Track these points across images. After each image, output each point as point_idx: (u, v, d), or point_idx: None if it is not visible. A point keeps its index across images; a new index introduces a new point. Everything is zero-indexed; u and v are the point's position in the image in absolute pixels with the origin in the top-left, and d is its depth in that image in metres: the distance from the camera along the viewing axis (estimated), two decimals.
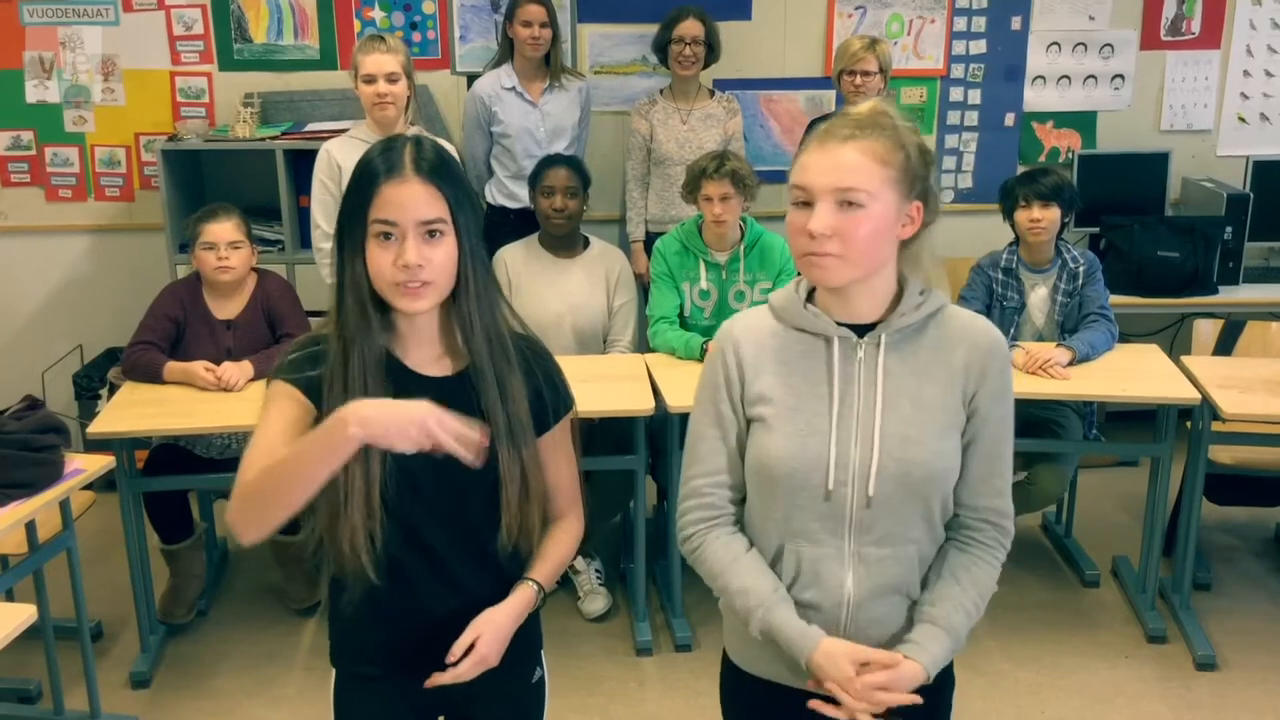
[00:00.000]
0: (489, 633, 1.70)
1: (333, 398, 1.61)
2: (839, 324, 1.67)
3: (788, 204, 1.66)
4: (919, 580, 1.73)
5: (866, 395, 1.67)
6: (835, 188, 1.58)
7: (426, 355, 1.71)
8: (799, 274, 1.73)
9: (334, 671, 1.86)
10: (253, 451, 1.61)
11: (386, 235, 1.60)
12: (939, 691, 1.75)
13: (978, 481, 1.72)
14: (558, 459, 1.81)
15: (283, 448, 1.56)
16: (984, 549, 1.74)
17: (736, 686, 1.84)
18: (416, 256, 1.59)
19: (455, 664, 1.69)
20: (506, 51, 4.24)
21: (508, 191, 4.25)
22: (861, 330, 1.68)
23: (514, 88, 4.19)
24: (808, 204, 1.60)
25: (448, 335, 1.71)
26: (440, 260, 1.62)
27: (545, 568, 1.80)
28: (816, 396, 1.67)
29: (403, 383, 1.67)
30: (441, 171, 1.63)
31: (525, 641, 1.84)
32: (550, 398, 1.76)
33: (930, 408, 1.67)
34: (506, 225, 4.18)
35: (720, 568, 1.73)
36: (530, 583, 1.77)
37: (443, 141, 3.70)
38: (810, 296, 1.72)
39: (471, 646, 1.69)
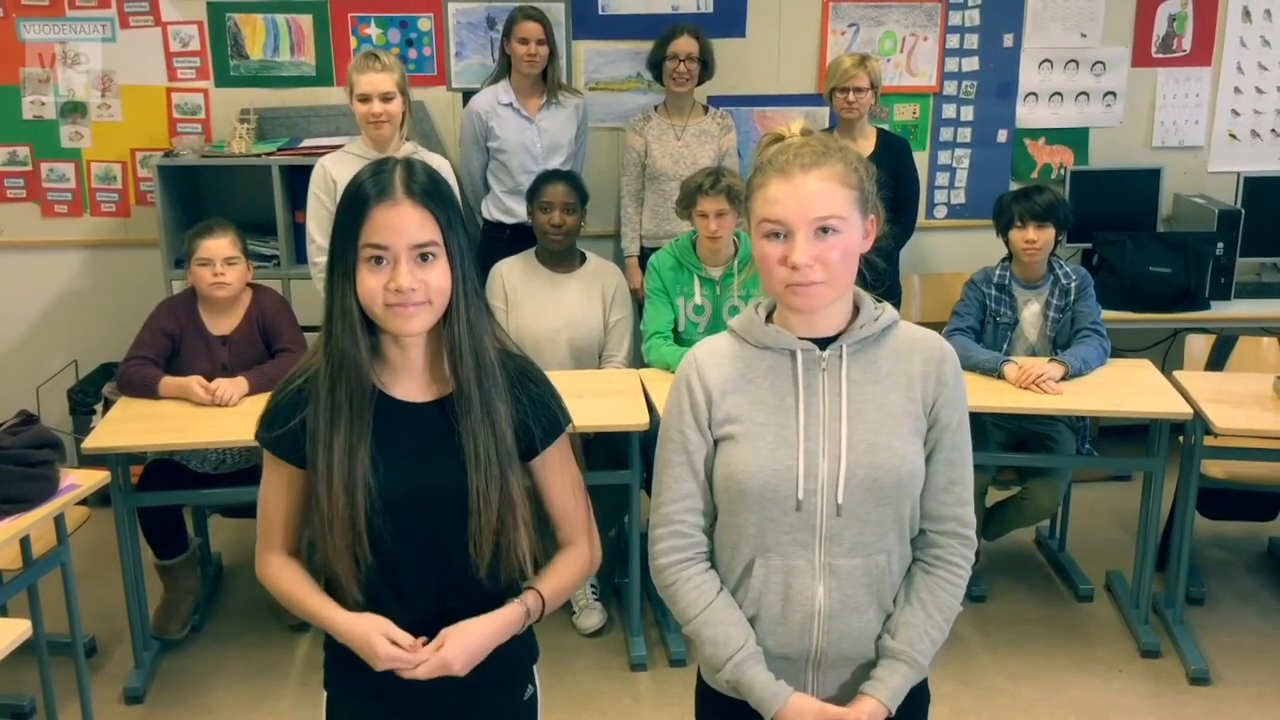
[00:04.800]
0: (454, 640, 1.68)
1: (319, 432, 1.65)
2: (800, 338, 1.71)
3: (754, 235, 1.68)
4: (892, 596, 1.75)
5: (831, 405, 1.70)
6: (814, 218, 1.62)
7: (415, 384, 1.71)
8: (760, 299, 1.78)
9: (325, 694, 1.86)
10: (260, 513, 1.77)
11: (378, 260, 1.60)
12: (914, 708, 1.78)
13: (940, 490, 1.75)
14: (558, 482, 1.80)
15: (279, 518, 1.75)
16: (948, 568, 1.76)
17: (710, 705, 1.86)
18: (409, 280, 1.59)
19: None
20: (504, 68, 4.25)
21: (504, 207, 4.27)
22: (823, 343, 1.71)
23: (511, 103, 4.20)
24: (778, 235, 1.64)
25: (435, 361, 1.70)
26: (435, 282, 1.61)
27: (544, 588, 1.78)
28: (783, 410, 1.70)
29: (386, 413, 1.68)
30: (433, 194, 1.62)
31: (516, 659, 1.84)
32: (538, 423, 1.74)
33: (894, 413, 1.71)
34: (503, 240, 4.19)
35: (692, 612, 1.75)
36: (519, 602, 1.75)
37: (437, 158, 3.75)
38: (769, 315, 1.76)
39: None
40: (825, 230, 1.62)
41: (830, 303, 1.68)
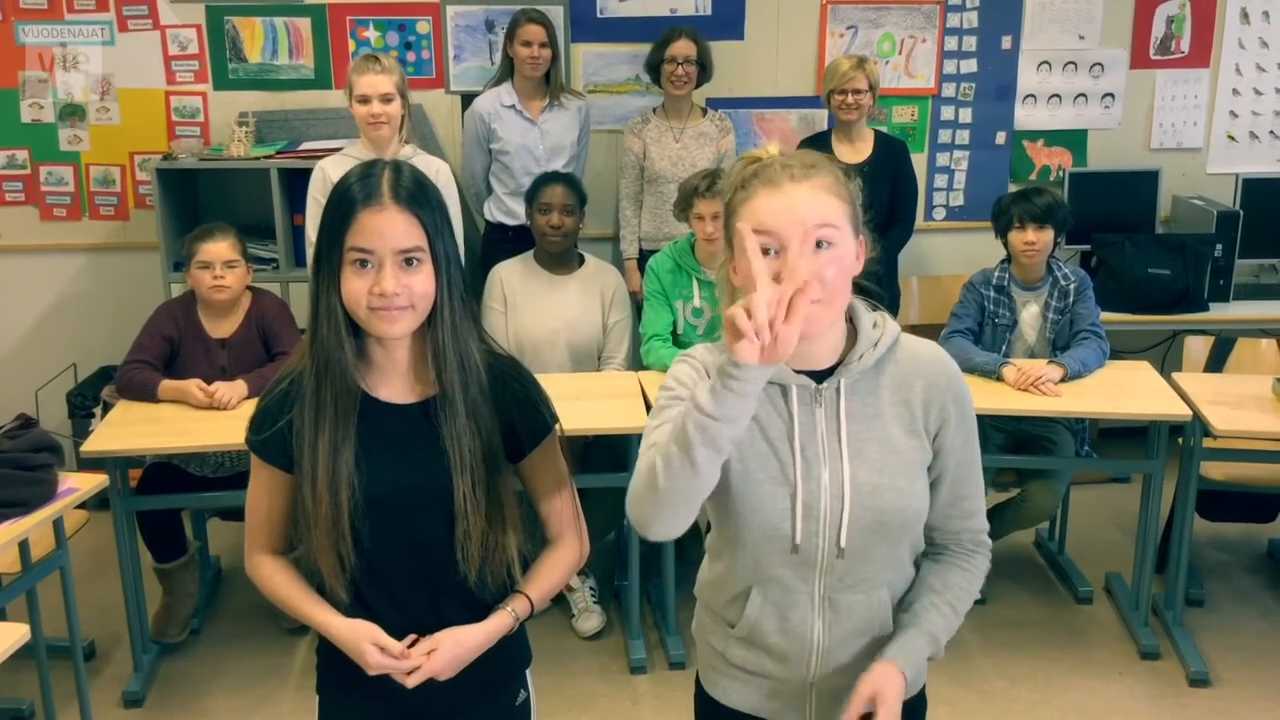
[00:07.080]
0: (446, 647, 1.70)
1: (304, 434, 1.66)
2: (796, 371, 1.59)
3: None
4: (890, 621, 1.69)
5: (831, 444, 1.60)
6: (810, 225, 1.49)
7: (399, 385, 1.71)
8: None
9: (317, 698, 1.86)
10: (248, 513, 1.79)
11: (363, 263, 1.60)
12: (912, 713, 1.70)
13: (947, 506, 1.68)
14: (544, 481, 1.81)
15: (266, 519, 1.77)
16: (958, 558, 1.73)
17: (708, 711, 1.82)
18: (394, 285, 1.59)
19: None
20: (507, 70, 4.26)
21: (506, 208, 4.27)
22: (818, 375, 1.60)
23: (514, 105, 4.21)
24: (767, 251, 1.48)
25: (420, 363, 1.70)
26: (419, 287, 1.61)
27: (533, 590, 1.79)
28: (779, 446, 1.60)
29: (371, 414, 1.68)
30: (420, 199, 1.62)
31: (508, 664, 1.83)
32: (525, 423, 1.74)
33: (898, 450, 1.61)
34: (504, 242, 4.20)
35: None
36: (508, 610, 1.76)
37: (436, 161, 3.75)
38: None
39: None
40: (820, 244, 1.50)
41: (825, 327, 1.56)
